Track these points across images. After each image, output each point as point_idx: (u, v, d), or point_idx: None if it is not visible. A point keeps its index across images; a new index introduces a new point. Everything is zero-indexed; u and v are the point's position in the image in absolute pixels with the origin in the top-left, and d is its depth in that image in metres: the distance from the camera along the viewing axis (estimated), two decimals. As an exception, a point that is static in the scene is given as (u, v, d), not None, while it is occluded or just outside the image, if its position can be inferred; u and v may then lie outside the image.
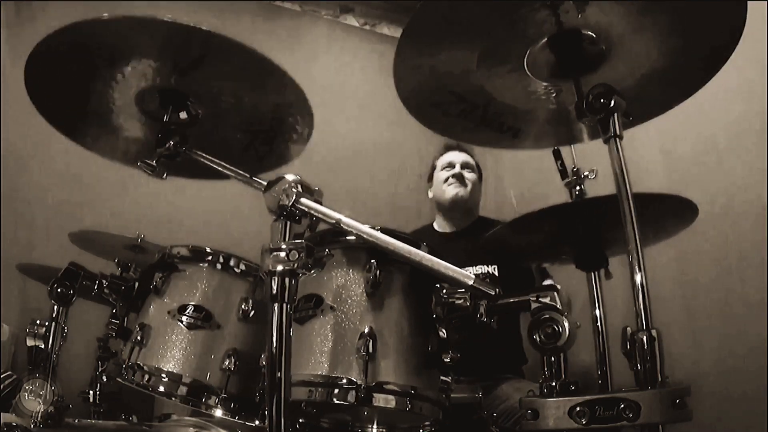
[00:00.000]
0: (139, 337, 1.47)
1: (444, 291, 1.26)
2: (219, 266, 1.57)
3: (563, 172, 1.59)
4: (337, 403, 1.17)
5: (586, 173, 1.56)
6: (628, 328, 0.98)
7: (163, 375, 1.44)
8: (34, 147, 2.79)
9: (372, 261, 1.25)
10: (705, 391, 2.03)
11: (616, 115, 1.11)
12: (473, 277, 0.99)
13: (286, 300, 0.98)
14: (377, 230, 1.08)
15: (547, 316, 1.05)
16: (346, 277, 1.29)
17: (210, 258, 1.58)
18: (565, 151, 1.60)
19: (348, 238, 1.30)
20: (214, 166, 1.24)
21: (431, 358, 1.23)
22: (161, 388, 1.44)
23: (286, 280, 0.98)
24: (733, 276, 2.15)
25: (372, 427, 1.42)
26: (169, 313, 1.51)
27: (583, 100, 1.15)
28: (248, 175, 1.17)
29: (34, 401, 1.37)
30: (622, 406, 0.90)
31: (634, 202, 1.04)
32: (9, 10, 2.98)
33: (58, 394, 1.39)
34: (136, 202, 2.95)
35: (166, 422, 1.66)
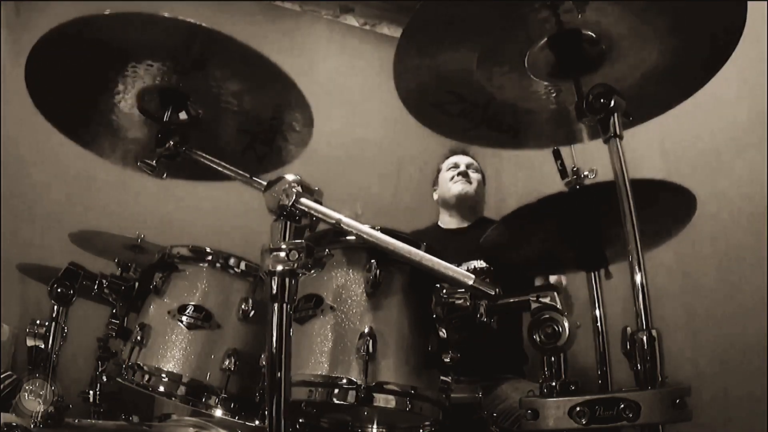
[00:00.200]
0: (139, 337, 1.48)
1: (444, 291, 1.27)
2: (219, 266, 1.57)
3: (563, 172, 1.59)
4: (337, 403, 1.18)
5: (586, 173, 1.56)
6: (628, 328, 0.98)
7: (163, 375, 1.44)
8: (34, 147, 2.79)
9: (372, 261, 1.26)
10: (705, 391, 2.03)
11: (616, 115, 1.11)
12: (473, 277, 0.99)
13: (286, 300, 0.98)
14: (377, 230, 1.08)
15: (547, 316, 1.05)
16: (346, 277, 1.29)
17: (210, 258, 1.58)
18: (565, 151, 1.60)
19: (348, 238, 1.31)
20: (214, 166, 1.24)
21: (431, 358, 1.23)
22: (161, 388, 1.44)
23: (286, 280, 0.98)
24: (733, 276, 2.14)
25: (372, 427, 1.42)
26: (169, 313, 1.51)
27: (583, 100, 1.15)
28: (248, 175, 1.17)
29: (34, 401, 1.37)
30: (622, 406, 0.90)
31: (633, 200, 1.04)
32: (9, 10, 2.98)
33: (58, 394, 1.39)
34: (136, 202, 2.95)
35: (166, 422, 1.66)
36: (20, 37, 2.85)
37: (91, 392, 1.90)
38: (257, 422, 1.43)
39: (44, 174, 2.92)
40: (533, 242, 1.57)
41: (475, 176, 2.66)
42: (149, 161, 1.28)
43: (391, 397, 1.18)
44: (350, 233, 1.05)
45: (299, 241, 1.00)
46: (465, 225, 2.63)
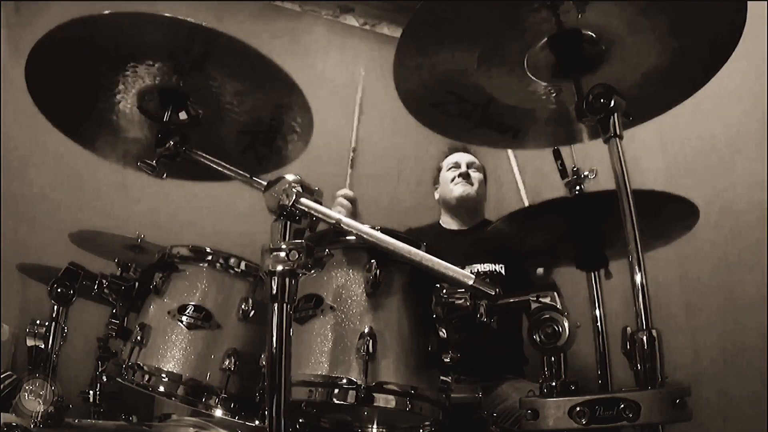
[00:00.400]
0: (139, 337, 1.48)
1: (444, 291, 1.27)
2: (219, 266, 1.57)
3: (563, 172, 1.59)
4: (337, 403, 1.18)
5: (586, 173, 1.56)
6: (628, 328, 0.98)
7: (163, 375, 1.44)
8: (34, 147, 2.79)
9: (372, 261, 1.26)
10: (705, 391, 2.03)
11: (616, 115, 1.11)
12: (473, 277, 0.99)
13: (286, 300, 0.98)
14: (377, 230, 1.08)
15: (547, 316, 1.05)
16: (346, 277, 1.29)
17: (210, 258, 1.58)
18: (565, 151, 1.60)
19: (348, 238, 1.31)
20: (214, 166, 1.24)
21: (431, 358, 1.23)
22: (161, 388, 1.44)
23: (286, 280, 0.98)
24: (733, 276, 2.14)
25: (372, 427, 1.42)
26: (169, 313, 1.51)
27: (583, 100, 1.15)
28: (248, 175, 1.17)
29: (34, 401, 1.37)
30: (622, 406, 0.90)
31: (634, 201, 1.04)
32: (9, 10, 2.98)
33: (58, 394, 1.39)
34: (136, 202, 2.94)
35: (166, 422, 1.66)
36: (20, 37, 2.84)
37: (91, 392, 1.89)
38: (257, 422, 1.43)
39: (44, 174, 2.91)
40: (537, 236, 1.57)
41: (476, 176, 2.62)
42: (149, 161, 1.28)
43: (391, 397, 1.18)
44: (350, 233, 1.05)
45: (299, 241, 1.01)
46: (466, 227, 2.61)
